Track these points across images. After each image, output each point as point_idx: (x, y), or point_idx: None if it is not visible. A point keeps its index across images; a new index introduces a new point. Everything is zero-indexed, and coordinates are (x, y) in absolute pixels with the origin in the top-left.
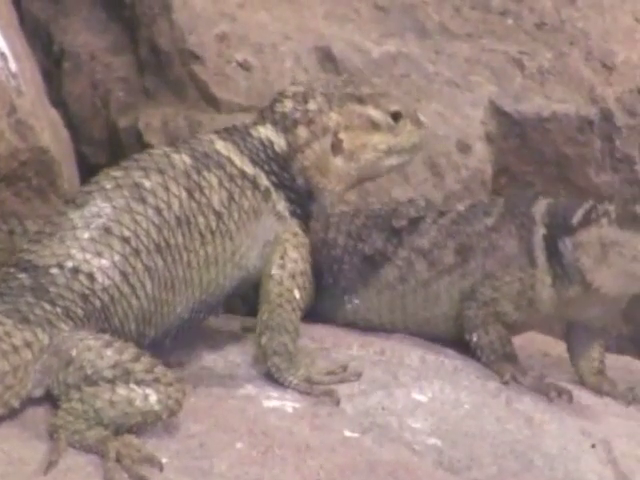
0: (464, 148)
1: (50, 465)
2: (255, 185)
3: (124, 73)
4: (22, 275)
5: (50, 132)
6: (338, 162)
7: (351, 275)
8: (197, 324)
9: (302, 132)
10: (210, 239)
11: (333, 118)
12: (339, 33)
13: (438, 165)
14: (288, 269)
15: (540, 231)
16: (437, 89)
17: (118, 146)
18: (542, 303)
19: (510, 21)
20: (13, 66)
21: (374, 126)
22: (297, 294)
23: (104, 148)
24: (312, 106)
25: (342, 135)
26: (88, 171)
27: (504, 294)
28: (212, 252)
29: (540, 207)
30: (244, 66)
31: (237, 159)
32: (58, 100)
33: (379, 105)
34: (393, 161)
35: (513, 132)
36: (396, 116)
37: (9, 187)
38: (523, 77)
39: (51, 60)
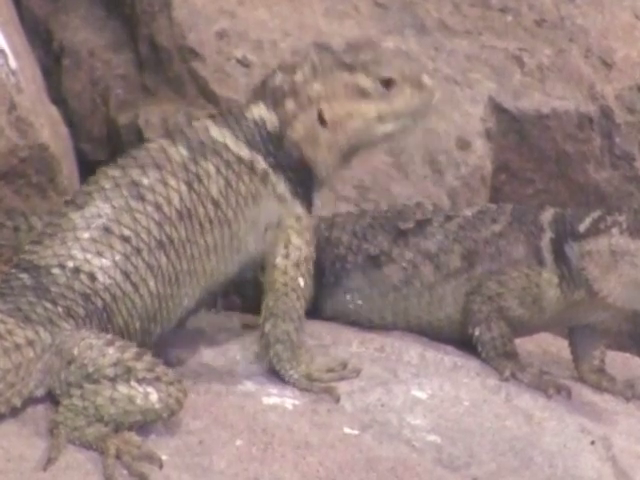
0: (464, 145)
1: (49, 462)
2: (252, 169)
3: (124, 70)
4: (23, 275)
5: (50, 129)
6: (326, 133)
7: (354, 275)
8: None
9: (289, 104)
10: (209, 228)
11: (315, 88)
12: (339, 30)
13: (438, 162)
14: (292, 258)
15: (548, 235)
16: None
17: (118, 143)
18: (548, 302)
19: (509, 18)
20: (13, 63)
21: (362, 94)
22: (301, 282)
23: (104, 145)
24: (298, 77)
25: (323, 105)
26: (87, 168)
27: (509, 289)
28: (212, 241)
29: (547, 215)
30: (243, 63)
31: (233, 144)
32: (58, 97)
33: (369, 72)
34: (388, 128)
35: (513, 129)
36: (389, 82)
37: (8, 184)
38: (522, 74)
39: (50, 57)
